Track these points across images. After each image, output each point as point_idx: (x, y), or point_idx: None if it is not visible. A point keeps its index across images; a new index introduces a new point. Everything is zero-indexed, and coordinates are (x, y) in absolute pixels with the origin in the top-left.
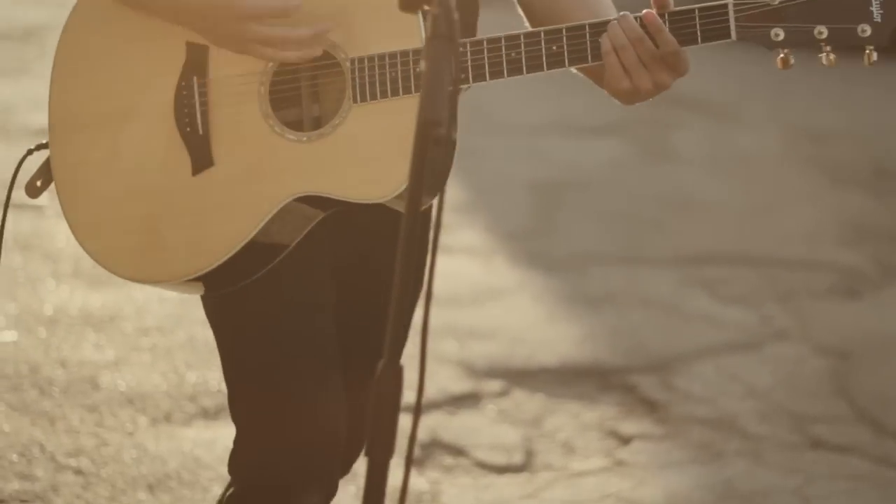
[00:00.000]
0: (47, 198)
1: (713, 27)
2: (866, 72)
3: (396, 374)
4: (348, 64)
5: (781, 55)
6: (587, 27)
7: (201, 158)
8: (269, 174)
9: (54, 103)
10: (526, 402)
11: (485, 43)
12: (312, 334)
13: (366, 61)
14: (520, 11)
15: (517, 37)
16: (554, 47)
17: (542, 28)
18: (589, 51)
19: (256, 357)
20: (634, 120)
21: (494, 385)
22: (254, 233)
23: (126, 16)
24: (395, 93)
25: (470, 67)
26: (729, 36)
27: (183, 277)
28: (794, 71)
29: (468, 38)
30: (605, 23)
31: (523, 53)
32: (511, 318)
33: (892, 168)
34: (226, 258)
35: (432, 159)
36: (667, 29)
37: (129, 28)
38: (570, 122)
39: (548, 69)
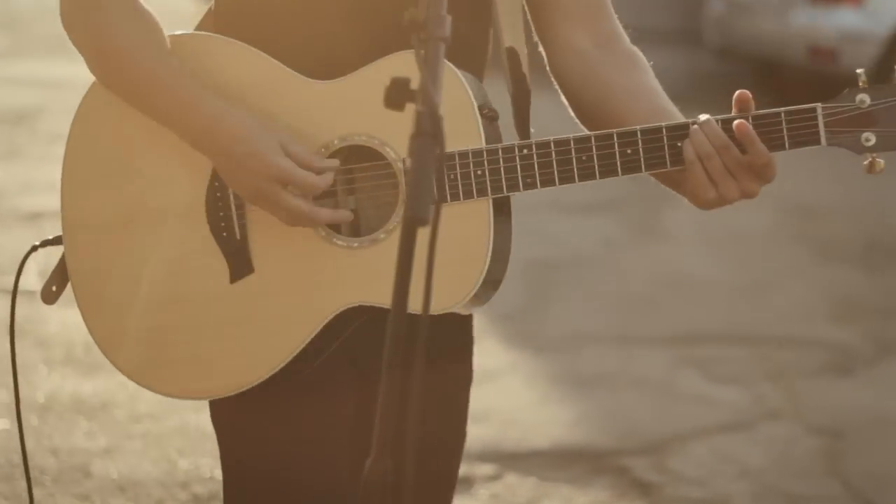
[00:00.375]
0: (38, 283)
1: (802, 132)
2: None
3: (384, 471)
4: (400, 165)
5: (869, 160)
6: (664, 130)
7: (240, 266)
8: (317, 283)
9: (67, 202)
10: (518, 486)
11: (552, 145)
12: (322, 472)
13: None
14: (563, 100)
15: (587, 139)
16: (629, 150)
17: (614, 130)
18: (667, 156)
19: (257, 481)
20: (626, 198)
21: (487, 469)
22: (304, 345)
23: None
24: (454, 197)
25: (537, 172)
26: (819, 142)
27: (228, 392)
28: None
29: (524, 132)
30: (685, 126)
31: (595, 157)
32: (503, 400)
33: (883, 243)
34: (274, 371)
35: (494, 269)
36: (758, 137)
37: (148, 120)
38: (562, 200)
39: (622, 174)
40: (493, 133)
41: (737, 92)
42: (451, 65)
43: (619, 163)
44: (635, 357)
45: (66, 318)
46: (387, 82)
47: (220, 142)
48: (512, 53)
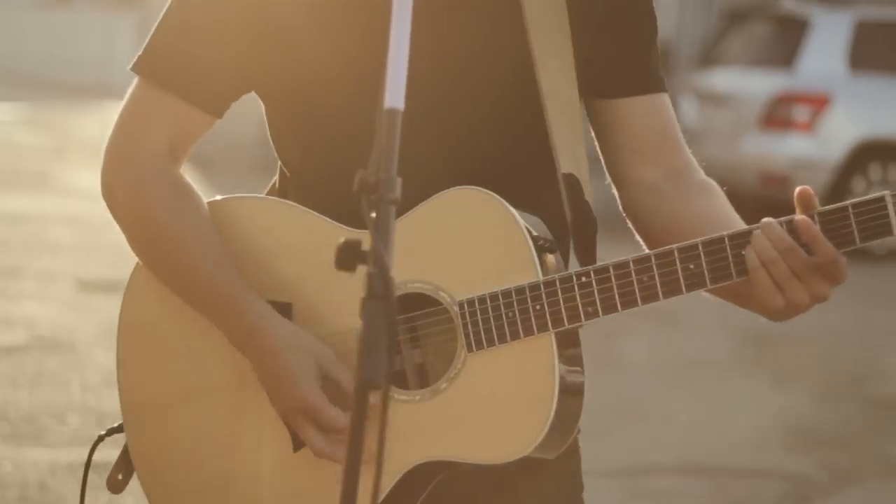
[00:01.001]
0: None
1: (872, 224)
2: None
3: None
4: (456, 308)
5: None
6: (727, 239)
7: None
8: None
9: (125, 385)
10: None
11: (611, 269)
12: None
13: (476, 303)
14: (638, 238)
15: (647, 258)
16: (691, 266)
17: (674, 245)
18: (732, 267)
19: None
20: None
21: None
22: None
23: None
24: (514, 336)
25: (598, 299)
26: (891, 232)
27: None
28: None
29: (588, 261)
30: (747, 233)
31: (657, 277)
32: None
33: (838, 371)
34: None
35: (566, 405)
36: (822, 235)
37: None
38: None
39: (687, 291)
40: (553, 264)
41: (797, 189)
42: (502, 201)
43: (682, 279)
44: (590, 489)
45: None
46: (447, 219)
47: (256, 352)
48: (570, 180)
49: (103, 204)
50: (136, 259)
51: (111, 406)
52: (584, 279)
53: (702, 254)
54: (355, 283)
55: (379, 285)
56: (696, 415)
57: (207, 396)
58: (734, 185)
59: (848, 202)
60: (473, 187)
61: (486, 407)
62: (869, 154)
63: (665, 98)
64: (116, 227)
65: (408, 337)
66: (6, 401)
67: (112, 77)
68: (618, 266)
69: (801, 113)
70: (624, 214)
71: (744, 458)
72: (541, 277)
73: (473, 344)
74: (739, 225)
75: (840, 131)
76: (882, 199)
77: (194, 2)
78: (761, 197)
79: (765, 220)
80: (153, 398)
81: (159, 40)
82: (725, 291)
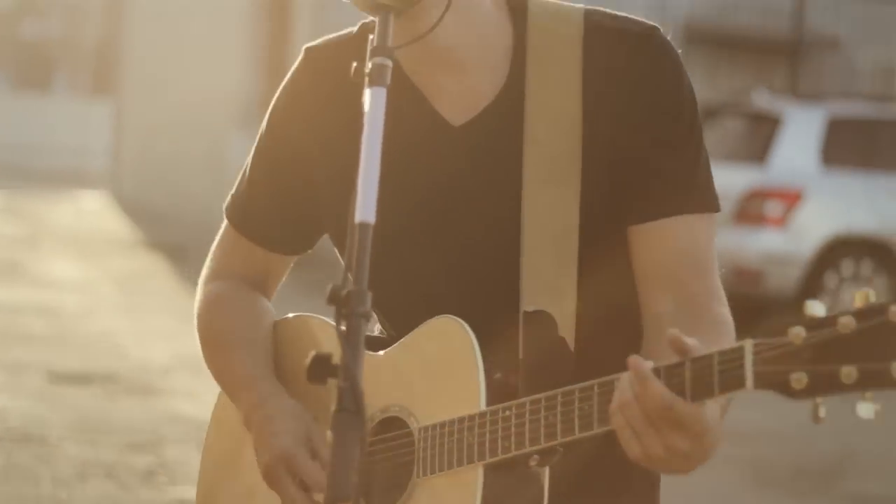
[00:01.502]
0: None
1: (727, 375)
2: None
3: None
4: (417, 434)
5: (812, 406)
6: (595, 387)
7: None
8: None
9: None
10: None
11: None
12: None
13: (430, 430)
14: None
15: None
16: (550, 416)
17: (558, 391)
18: (595, 415)
19: None
20: None
21: None
22: None
23: None
24: (458, 463)
25: (513, 433)
26: (743, 385)
27: None
28: None
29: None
30: (614, 379)
31: (542, 419)
32: None
33: (811, 469)
34: None
35: None
36: (654, 378)
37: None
38: None
39: (562, 438)
40: (503, 396)
41: (670, 336)
42: (468, 331)
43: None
44: None
45: None
46: (423, 347)
47: (256, 418)
48: (536, 317)
49: (76, 295)
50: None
51: (82, 500)
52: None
53: (559, 404)
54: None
55: (349, 399)
56: None
57: None
58: None
59: (714, 351)
60: (448, 316)
61: None
62: (842, 250)
63: (694, 219)
64: (89, 319)
65: (371, 459)
66: None
67: (87, 165)
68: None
69: (773, 208)
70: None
71: None
72: (481, 409)
73: (422, 470)
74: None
75: (813, 227)
76: (741, 349)
77: (264, 153)
78: (734, 293)
79: (631, 357)
80: None
81: (239, 184)
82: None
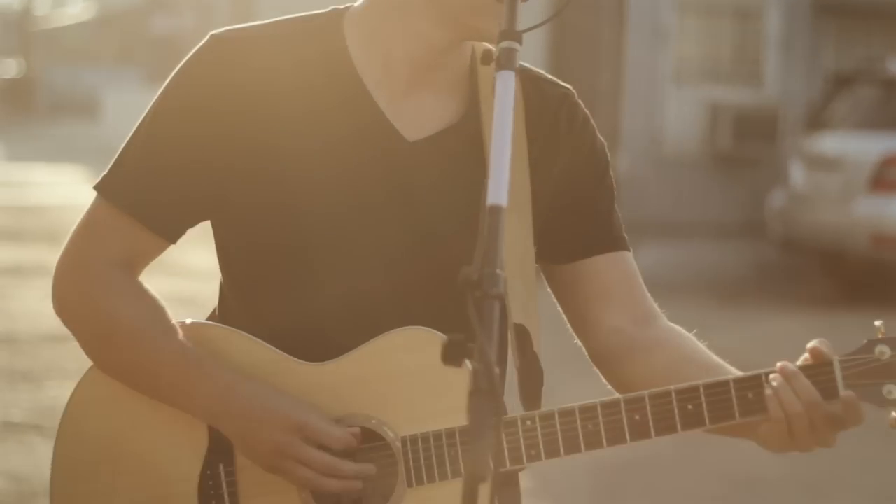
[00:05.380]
0: None
1: (819, 387)
2: None
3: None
4: (398, 444)
5: (894, 414)
6: (731, 384)
7: None
8: None
9: (57, 497)
10: None
11: (599, 408)
12: None
13: (419, 441)
14: (608, 385)
15: (640, 399)
16: (689, 406)
17: (671, 387)
18: (736, 407)
19: None
20: None
21: None
22: None
23: (135, 395)
24: (455, 474)
25: (541, 441)
26: (836, 395)
27: None
28: None
29: (532, 407)
30: (756, 378)
31: (650, 415)
32: None
33: None
34: None
35: None
36: (858, 401)
37: (140, 408)
38: None
39: (682, 430)
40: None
41: (810, 345)
42: (444, 337)
43: (678, 418)
44: None
45: None
46: (394, 357)
47: (236, 405)
48: (520, 330)
49: (214, 283)
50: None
51: None
52: (528, 423)
53: (703, 396)
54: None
55: (484, 380)
56: (812, 482)
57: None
58: (845, 248)
59: (800, 365)
60: (421, 327)
61: None
62: None
63: (628, 256)
64: None
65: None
66: None
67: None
68: (606, 405)
69: None
70: (594, 365)
71: None
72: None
73: (414, 480)
74: (722, 365)
75: None
76: (830, 363)
77: (157, 130)
78: (873, 259)
79: (781, 364)
80: None
81: (122, 163)
82: (726, 427)
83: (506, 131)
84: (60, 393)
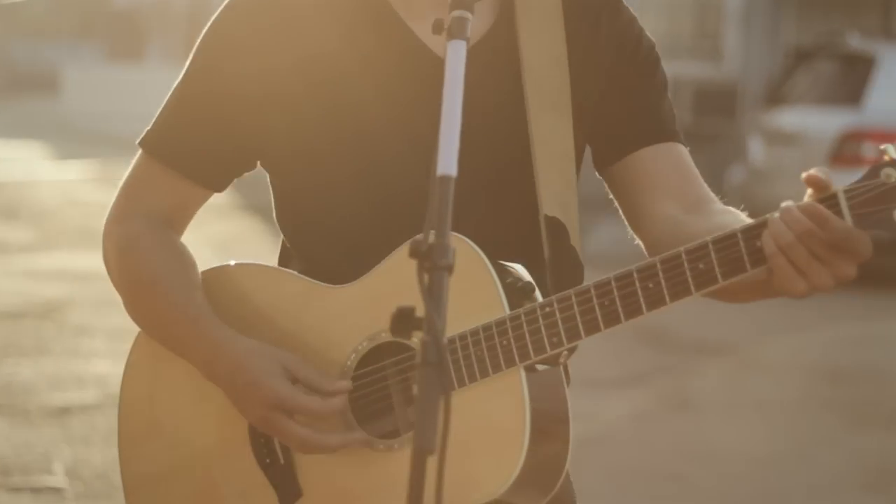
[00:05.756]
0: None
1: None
2: (886, 305)
3: None
4: None
5: None
6: (739, 235)
7: (288, 490)
8: (368, 492)
9: (125, 459)
10: None
11: (613, 282)
12: None
13: (457, 340)
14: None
15: (652, 265)
16: (701, 265)
17: (681, 248)
18: (746, 257)
19: None
20: (652, 370)
21: None
22: None
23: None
24: (483, 373)
25: (598, 310)
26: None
27: None
28: (813, 311)
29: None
30: (762, 223)
31: (663, 282)
32: None
33: None
34: None
35: (540, 450)
36: (832, 215)
37: (187, 363)
38: (587, 375)
39: (696, 291)
40: (520, 299)
41: (804, 175)
42: (469, 242)
43: (690, 280)
44: None
45: None
46: (399, 286)
47: (221, 370)
48: (553, 223)
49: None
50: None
51: None
52: (547, 309)
53: (713, 252)
54: (338, 345)
55: (432, 352)
56: (771, 455)
57: (204, 466)
58: None
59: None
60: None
61: (463, 447)
62: None
63: (679, 147)
64: None
65: (382, 386)
66: (79, 459)
67: (79, 104)
68: (620, 277)
69: (870, 150)
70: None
71: (821, 499)
72: (507, 312)
73: (455, 382)
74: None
75: None
76: (835, 195)
77: (195, 81)
78: None
79: (784, 203)
80: (152, 472)
81: (163, 118)
82: (740, 286)
83: (456, 101)
84: (17, 370)
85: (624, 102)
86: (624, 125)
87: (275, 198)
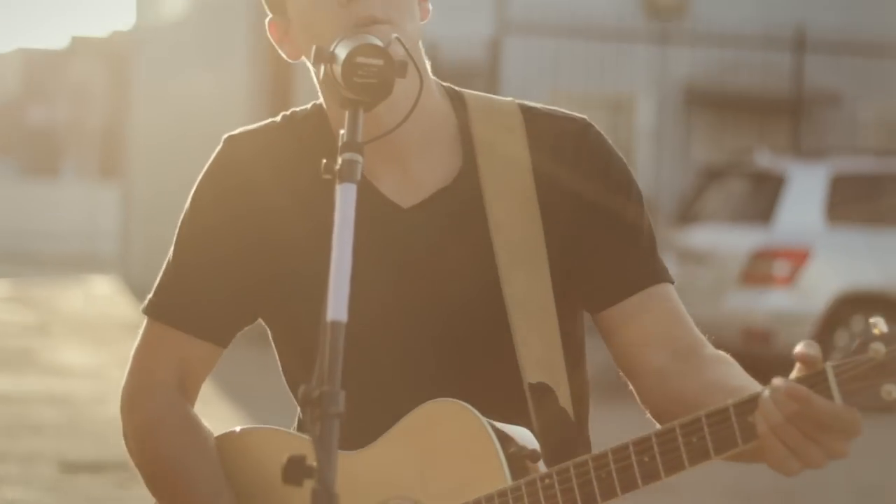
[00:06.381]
0: None
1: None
2: None
3: None
4: None
5: None
6: (731, 410)
7: None
8: None
9: None
10: None
11: (610, 455)
12: None
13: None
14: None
15: (648, 439)
16: (694, 439)
17: (676, 423)
18: (738, 433)
19: None
20: None
21: None
22: None
23: None
24: None
25: (595, 483)
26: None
27: None
28: None
29: (555, 462)
30: (754, 399)
31: (658, 456)
32: None
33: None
34: None
35: None
36: (817, 397)
37: None
38: None
39: (690, 465)
40: (537, 472)
41: (794, 352)
42: (473, 411)
43: (684, 454)
44: None
45: None
46: (426, 433)
47: None
48: (540, 388)
49: (87, 381)
50: (121, 440)
51: None
52: (546, 481)
53: (705, 426)
54: None
55: (323, 501)
56: None
57: None
58: (717, 343)
59: (794, 379)
60: (449, 399)
61: None
62: (851, 306)
63: (665, 287)
64: (101, 406)
65: None
66: None
67: (96, 250)
68: (617, 451)
69: (781, 267)
70: (642, 407)
71: None
72: (509, 483)
73: None
74: (754, 388)
75: (821, 284)
76: (824, 372)
77: (190, 241)
78: (744, 354)
79: (774, 380)
80: None
81: (163, 281)
82: (733, 455)
83: (346, 245)
84: None
85: (605, 248)
86: (608, 274)
87: (280, 358)
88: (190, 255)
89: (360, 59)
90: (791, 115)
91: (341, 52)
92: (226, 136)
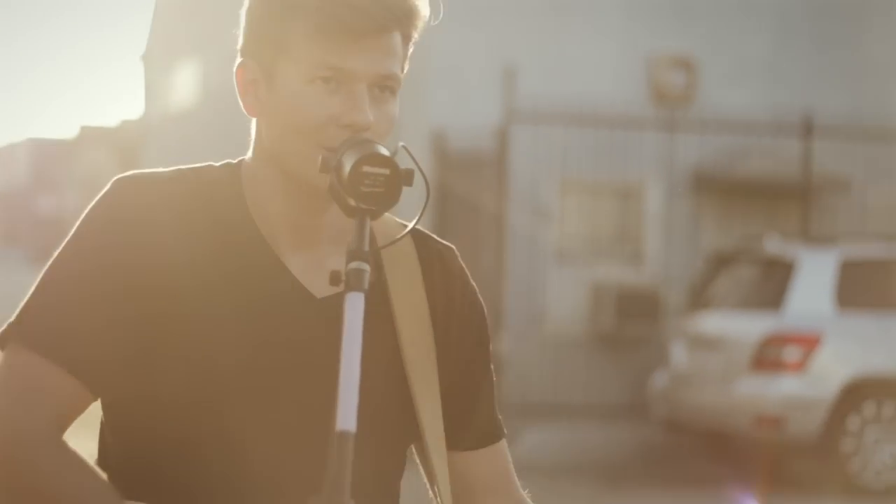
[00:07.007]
0: None
1: None
2: None
3: None
4: None
5: None
6: None
7: None
8: None
9: None
10: None
11: None
12: None
13: None
14: None
15: None
16: None
17: None
18: None
19: None
20: None
21: None
22: None
23: None
24: None
25: None
26: None
27: None
28: None
29: None
30: None
31: None
32: None
33: None
34: None
35: None
36: None
37: None
38: None
39: None
40: None
41: None
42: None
43: None
44: None
45: None
46: None
47: None
48: None
49: None
50: None
51: None
52: None
53: None
54: None
55: None
56: None
57: None
58: (728, 429)
59: None
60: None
61: None
62: (862, 392)
63: (504, 446)
64: None
65: None
66: None
67: (1, 311)
68: None
69: (792, 353)
70: None
71: None
72: None
73: None
74: None
75: (832, 370)
76: None
77: (69, 272)
78: (756, 441)
79: None
80: None
81: (34, 308)
82: None
83: (354, 355)
84: None
85: (471, 396)
86: (471, 420)
87: (114, 427)
88: (76, 292)
89: (367, 169)
90: (800, 200)
91: (347, 160)
92: (116, 177)
